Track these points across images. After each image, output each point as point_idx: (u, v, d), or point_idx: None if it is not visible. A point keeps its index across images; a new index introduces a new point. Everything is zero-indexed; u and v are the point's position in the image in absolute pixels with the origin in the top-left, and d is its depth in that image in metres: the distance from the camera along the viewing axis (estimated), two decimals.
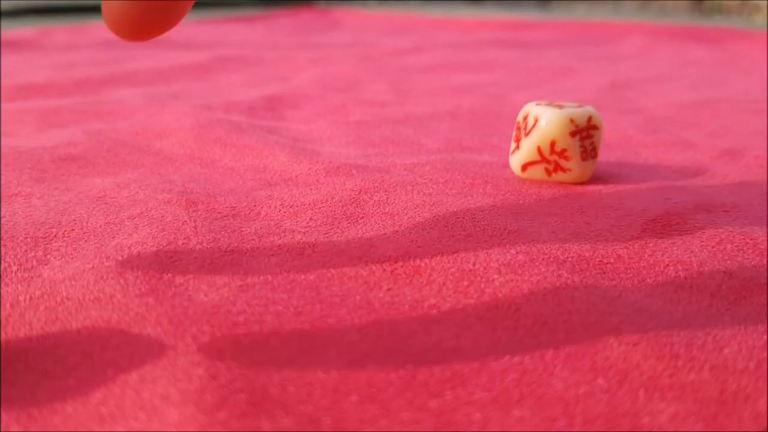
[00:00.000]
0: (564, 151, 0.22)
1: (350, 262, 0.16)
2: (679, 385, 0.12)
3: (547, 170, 0.22)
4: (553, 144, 0.22)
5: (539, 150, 0.22)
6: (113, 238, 0.18)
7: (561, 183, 0.22)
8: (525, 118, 0.22)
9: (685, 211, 0.20)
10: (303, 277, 0.16)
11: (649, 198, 0.21)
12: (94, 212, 0.20)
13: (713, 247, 0.17)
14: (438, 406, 0.11)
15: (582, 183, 0.22)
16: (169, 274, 0.16)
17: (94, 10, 0.98)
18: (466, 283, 0.15)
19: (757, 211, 0.19)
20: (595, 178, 0.23)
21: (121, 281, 0.15)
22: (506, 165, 0.24)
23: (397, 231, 0.18)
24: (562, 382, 0.12)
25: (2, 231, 0.18)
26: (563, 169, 0.22)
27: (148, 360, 0.12)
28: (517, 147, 0.22)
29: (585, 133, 0.22)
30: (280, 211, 0.20)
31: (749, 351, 0.12)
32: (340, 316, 0.14)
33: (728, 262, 0.16)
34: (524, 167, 0.22)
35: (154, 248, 0.17)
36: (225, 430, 0.10)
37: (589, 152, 0.22)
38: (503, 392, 0.12)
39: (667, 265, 0.16)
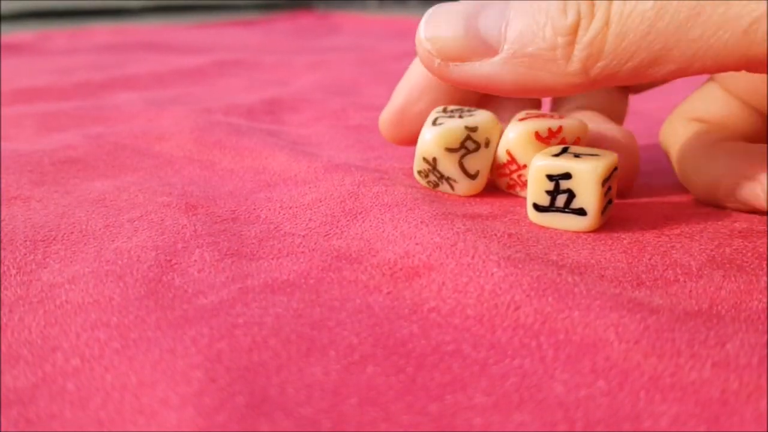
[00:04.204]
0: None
1: (350, 265, 0.16)
2: (681, 385, 0.12)
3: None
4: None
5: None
6: (112, 241, 0.18)
7: None
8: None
9: (684, 214, 0.20)
10: (302, 280, 0.16)
11: (648, 201, 0.21)
12: (93, 215, 0.20)
13: (712, 250, 0.17)
14: (438, 410, 0.11)
15: None
16: (169, 277, 0.16)
17: (94, 13, 0.98)
18: (465, 279, 0.15)
19: (756, 213, 0.19)
20: None
21: (120, 284, 0.15)
22: None
23: (396, 227, 0.18)
24: (563, 385, 0.12)
25: (2, 234, 0.18)
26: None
27: (146, 363, 0.12)
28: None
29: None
30: (279, 213, 0.20)
31: (751, 347, 0.12)
32: (339, 319, 0.14)
33: (727, 265, 0.16)
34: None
35: (154, 251, 0.17)
36: None
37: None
38: (503, 396, 0.12)
39: (666, 269, 0.16)
